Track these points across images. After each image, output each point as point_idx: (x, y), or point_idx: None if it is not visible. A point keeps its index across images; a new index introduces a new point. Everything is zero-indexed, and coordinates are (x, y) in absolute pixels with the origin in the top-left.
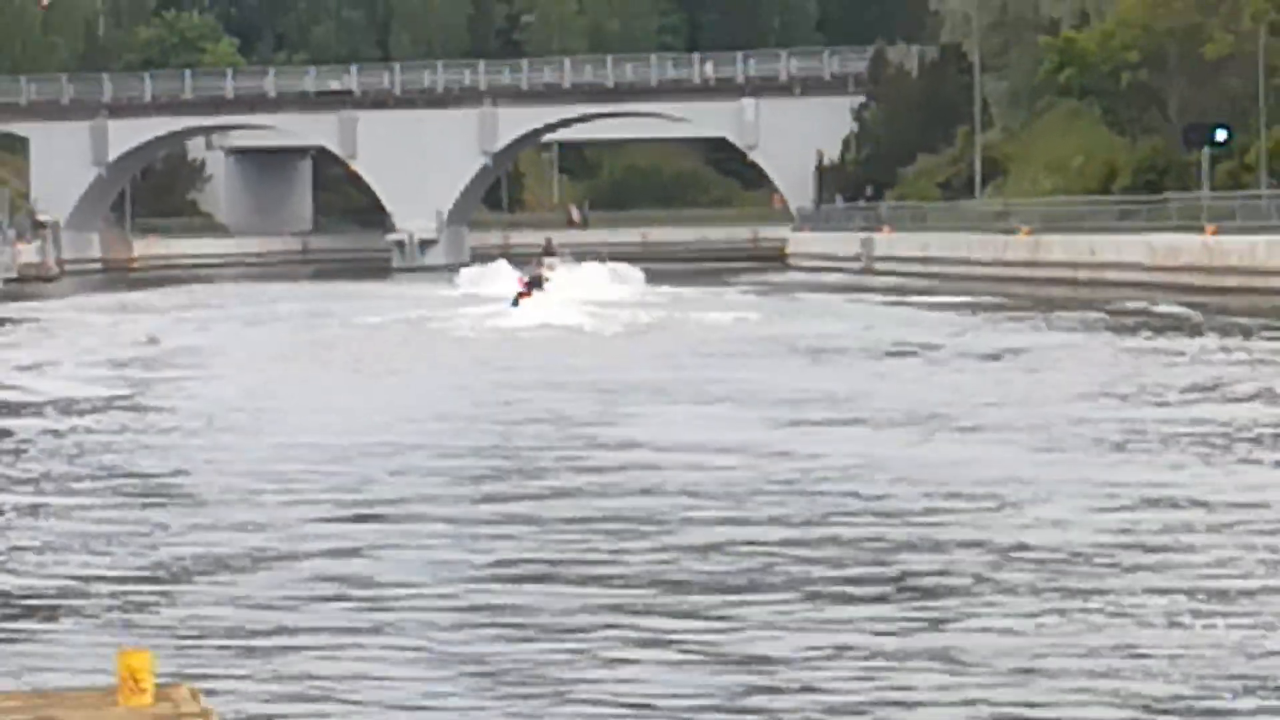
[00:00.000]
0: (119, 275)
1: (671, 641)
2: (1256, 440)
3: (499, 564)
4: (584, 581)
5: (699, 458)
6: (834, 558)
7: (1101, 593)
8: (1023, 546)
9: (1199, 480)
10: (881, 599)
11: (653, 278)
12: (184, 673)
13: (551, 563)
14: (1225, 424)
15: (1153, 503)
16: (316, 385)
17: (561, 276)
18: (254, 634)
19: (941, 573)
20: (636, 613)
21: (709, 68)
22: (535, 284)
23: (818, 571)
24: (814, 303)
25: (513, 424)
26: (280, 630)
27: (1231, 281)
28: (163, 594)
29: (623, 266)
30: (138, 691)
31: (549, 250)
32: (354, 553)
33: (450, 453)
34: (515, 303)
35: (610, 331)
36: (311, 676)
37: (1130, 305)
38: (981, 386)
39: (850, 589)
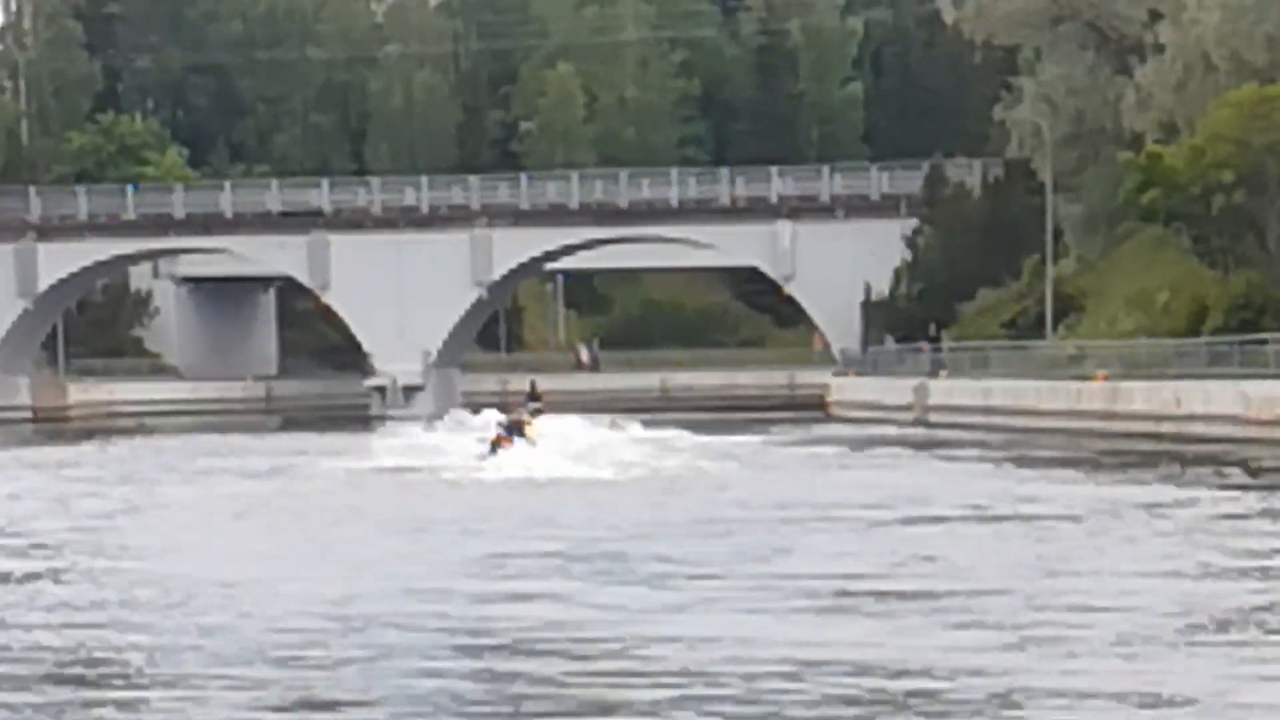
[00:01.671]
0: (53, 425)
1: None
2: None
3: None
4: None
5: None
6: None
7: None
8: None
9: None
10: None
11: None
12: None
13: None
14: None
15: None
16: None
17: (545, 425)
18: None
19: None
20: None
21: (739, 185)
22: (515, 430)
23: None
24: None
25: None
26: None
27: None
28: None
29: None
30: None
31: (534, 395)
32: None
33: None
34: (493, 450)
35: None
36: None
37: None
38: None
39: None
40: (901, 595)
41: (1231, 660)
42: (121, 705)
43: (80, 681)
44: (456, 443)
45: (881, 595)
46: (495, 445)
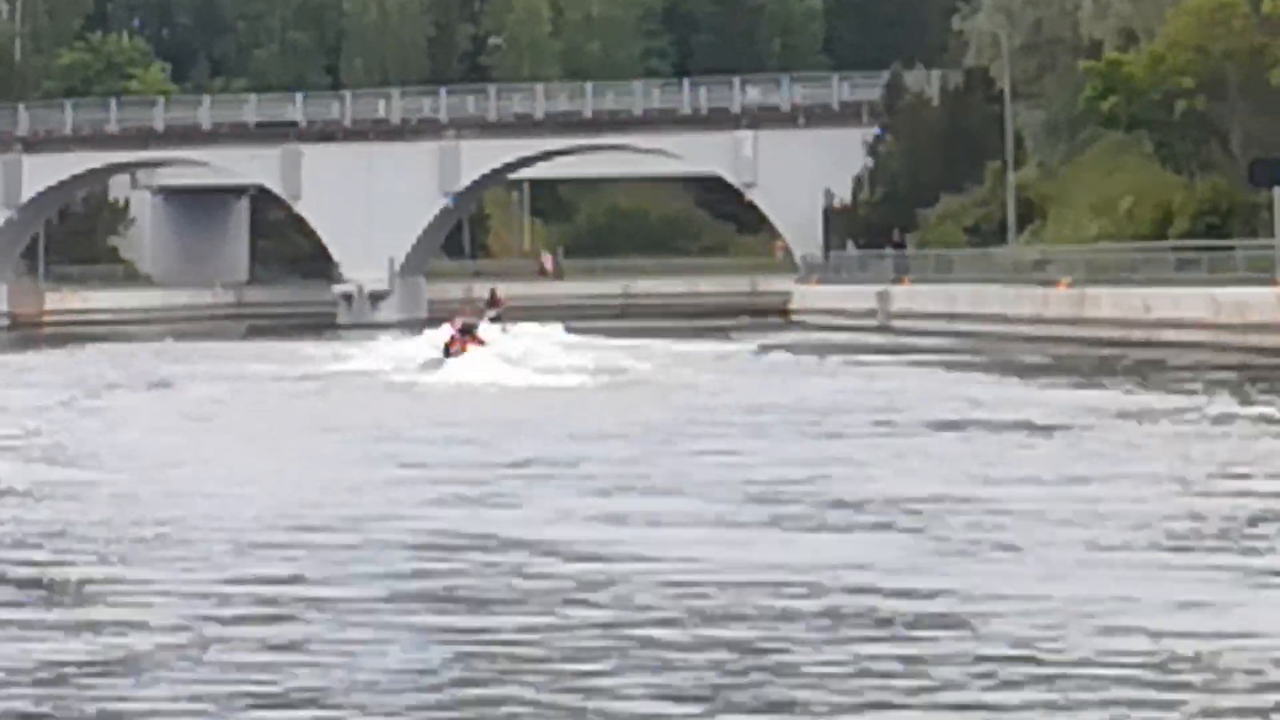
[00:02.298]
0: (28, 332)
1: None
2: None
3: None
4: None
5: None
6: None
7: None
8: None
9: None
10: None
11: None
12: None
13: None
14: None
15: None
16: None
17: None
18: None
19: None
20: None
21: (701, 96)
22: (468, 332)
23: None
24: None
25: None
26: None
27: None
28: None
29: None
30: None
31: (493, 302)
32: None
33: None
34: (447, 353)
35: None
36: None
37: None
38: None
39: None
40: (857, 505)
41: (1204, 571)
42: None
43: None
44: (415, 350)
45: (840, 504)
46: (448, 349)
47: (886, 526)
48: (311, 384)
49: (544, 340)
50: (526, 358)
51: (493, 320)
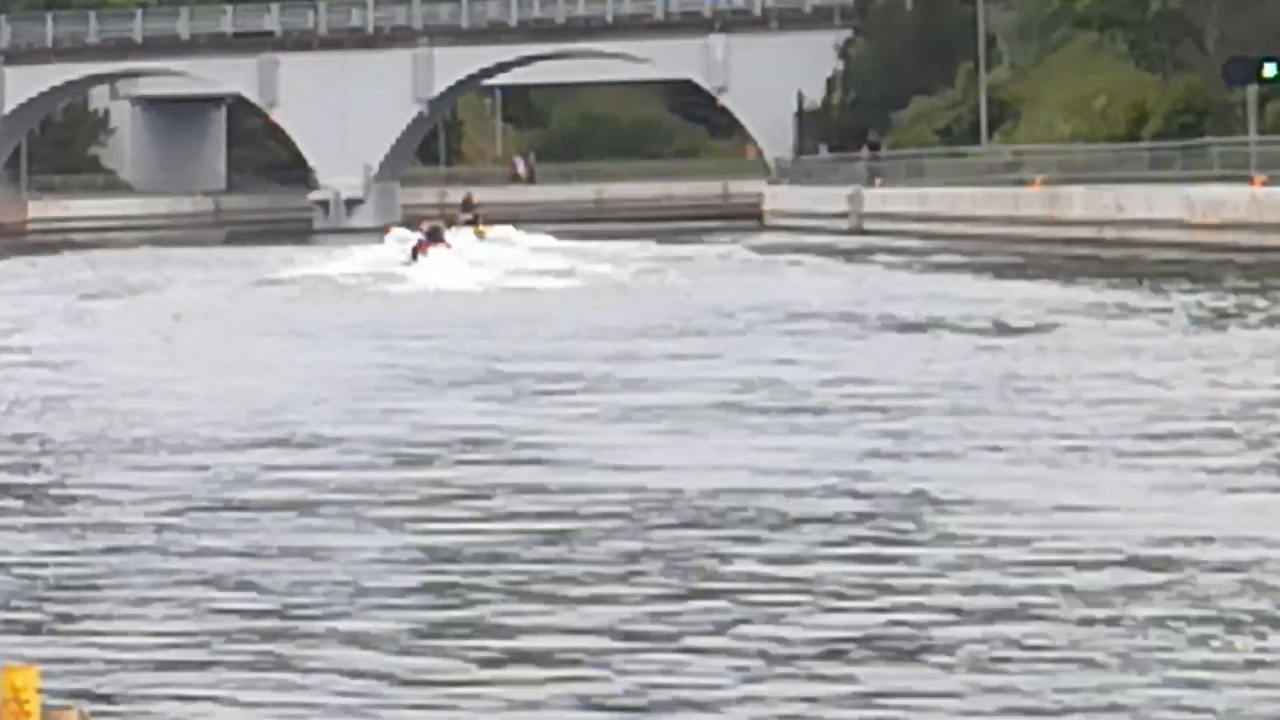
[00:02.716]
0: (11, 240)
1: None
2: None
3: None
4: None
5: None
6: None
7: None
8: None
9: None
10: None
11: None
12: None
13: None
14: None
15: None
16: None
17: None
18: (155, 653)
19: None
20: None
21: (673, 0)
22: (435, 236)
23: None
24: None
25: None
26: (182, 647)
27: None
28: (55, 609)
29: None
30: (21, 714)
31: (468, 206)
32: (265, 557)
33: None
34: (414, 257)
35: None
36: (216, 700)
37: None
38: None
39: None
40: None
41: (1174, 469)
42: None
43: None
44: (385, 254)
45: (820, 411)
46: (416, 252)
47: (853, 426)
48: (291, 289)
49: (519, 244)
50: (494, 262)
51: (468, 224)
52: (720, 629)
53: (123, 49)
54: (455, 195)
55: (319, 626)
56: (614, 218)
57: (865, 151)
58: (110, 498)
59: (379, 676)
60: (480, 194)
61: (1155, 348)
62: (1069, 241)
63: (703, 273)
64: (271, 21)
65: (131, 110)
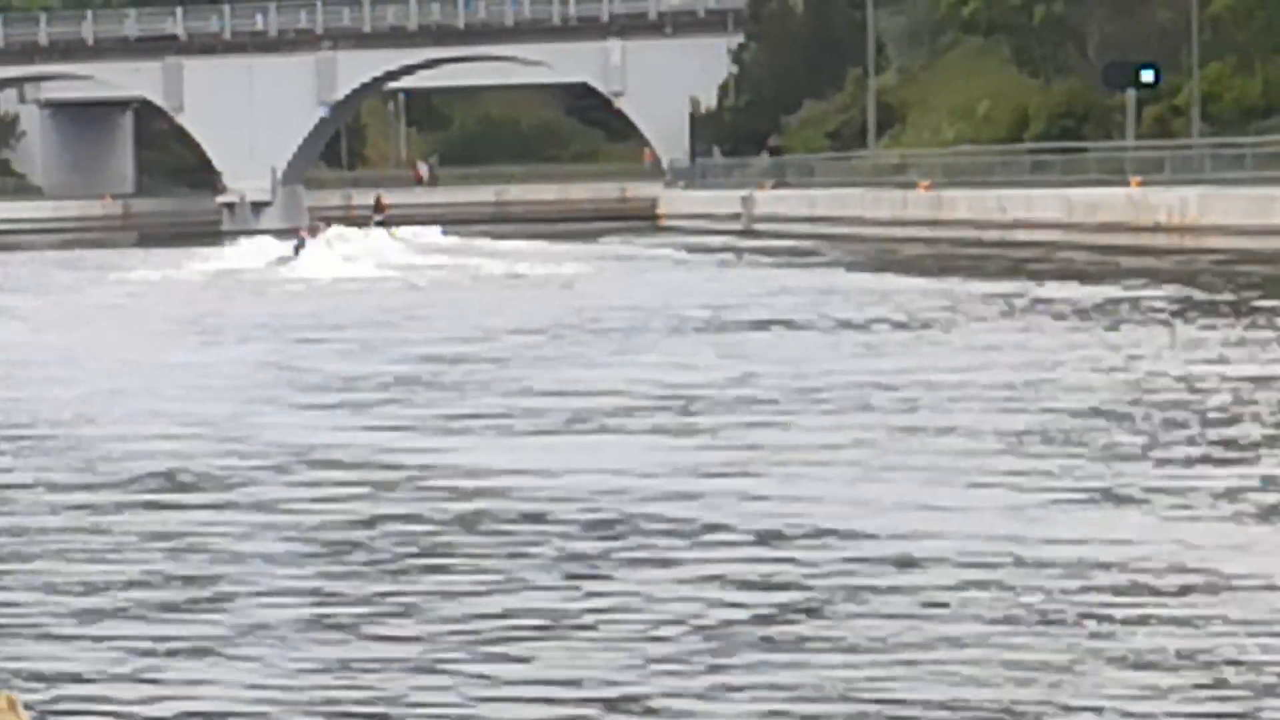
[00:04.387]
0: None
1: None
2: None
3: None
4: None
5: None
6: None
7: None
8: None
9: None
10: None
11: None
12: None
13: None
14: None
15: None
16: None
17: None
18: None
19: None
20: None
21: (570, 5)
22: (314, 232)
23: None
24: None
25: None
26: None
27: (1160, 241)
28: None
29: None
30: None
31: (379, 208)
32: (180, 536)
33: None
34: (298, 249)
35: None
36: (139, 676)
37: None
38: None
39: None
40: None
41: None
42: None
43: None
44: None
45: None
46: (299, 247)
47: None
48: (189, 286)
49: (407, 243)
50: (368, 255)
51: (379, 224)
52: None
53: (28, 52)
54: (360, 198)
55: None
56: (515, 219)
57: (766, 155)
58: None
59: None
60: (385, 197)
61: (1015, 342)
62: (953, 242)
63: (589, 272)
64: (175, 25)
65: (40, 114)
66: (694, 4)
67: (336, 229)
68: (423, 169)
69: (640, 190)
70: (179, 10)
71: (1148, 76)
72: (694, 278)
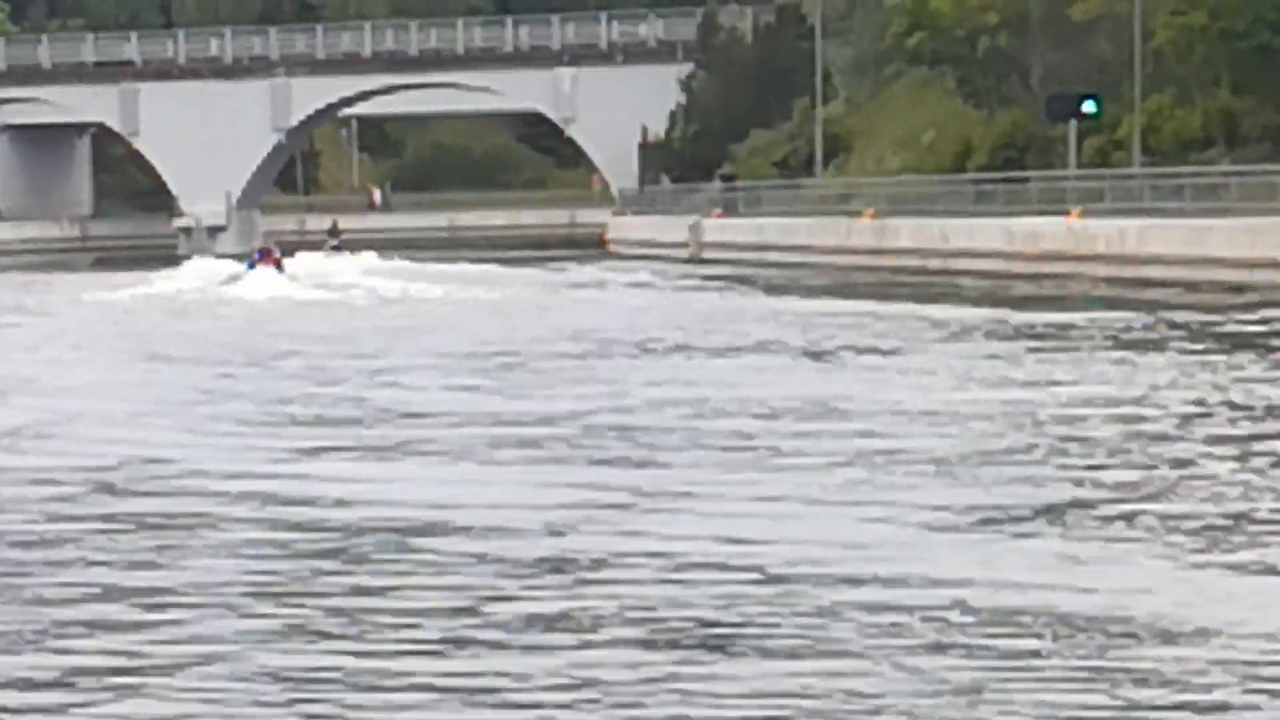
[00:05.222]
0: None
1: None
2: None
3: None
4: None
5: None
6: None
7: None
8: None
9: None
10: None
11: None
12: None
13: None
14: None
15: None
16: None
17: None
18: None
19: None
20: None
21: (522, 33)
22: (267, 254)
23: None
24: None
25: None
26: None
27: (1099, 270)
28: None
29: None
30: None
31: (334, 232)
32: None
33: None
34: (252, 265)
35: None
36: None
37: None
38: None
39: None
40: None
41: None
42: None
43: None
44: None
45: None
46: (255, 262)
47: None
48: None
49: (373, 268)
50: (314, 277)
51: (334, 249)
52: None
53: None
54: (314, 223)
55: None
56: (467, 244)
57: (718, 183)
58: None
59: None
60: (340, 221)
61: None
62: (897, 270)
63: (531, 297)
64: (131, 51)
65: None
66: (644, 34)
67: (292, 252)
68: (376, 195)
69: (589, 217)
70: (134, 36)
71: (1089, 108)
72: (627, 300)
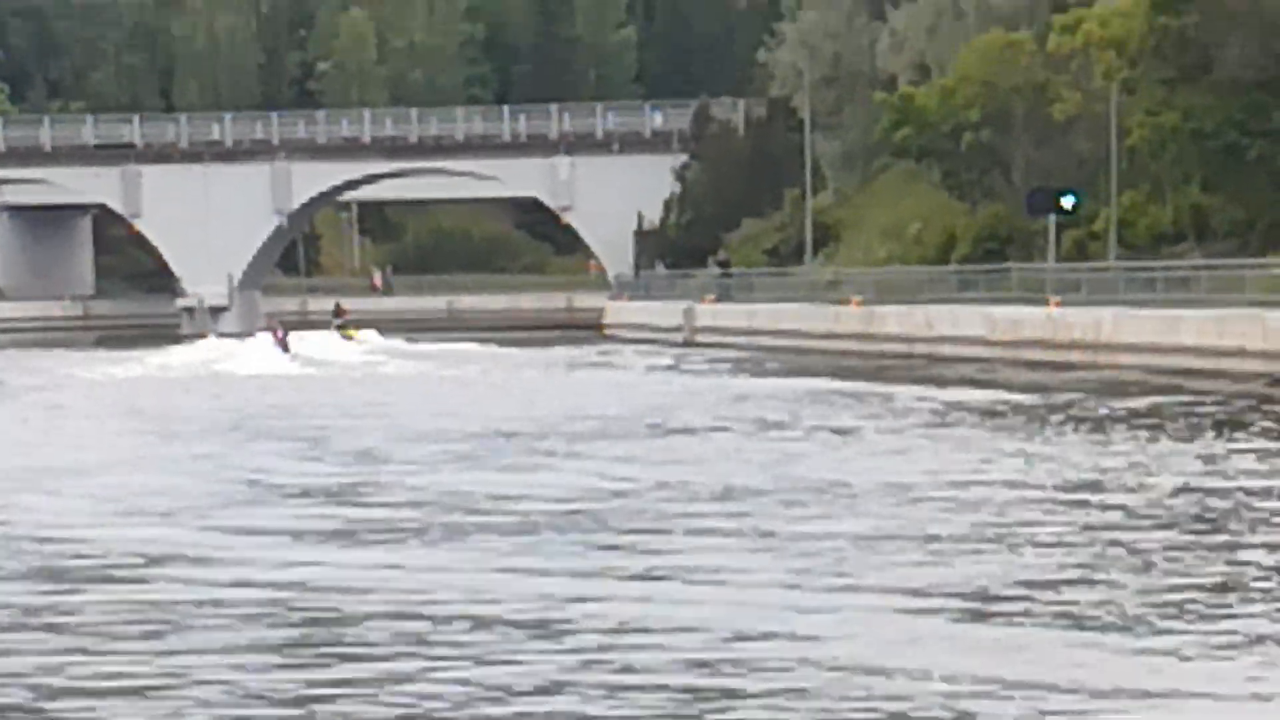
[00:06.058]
0: None
1: None
2: None
3: None
4: None
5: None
6: None
7: None
8: None
9: None
10: None
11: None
12: None
13: None
14: None
15: None
16: None
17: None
18: None
19: None
20: None
21: (520, 122)
22: (271, 333)
23: None
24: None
25: None
26: None
27: (1075, 356)
28: None
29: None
30: None
31: (339, 313)
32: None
33: None
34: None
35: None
36: None
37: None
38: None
39: None
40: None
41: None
42: None
43: None
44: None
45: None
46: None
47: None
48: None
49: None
50: (321, 352)
51: (338, 329)
52: None
53: None
54: (316, 304)
55: None
56: (466, 327)
57: (715, 269)
58: None
59: None
60: (343, 302)
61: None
62: (883, 354)
63: (528, 376)
64: (132, 133)
65: (1, 218)
66: (639, 125)
67: (294, 332)
68: (378, 277)
69: (586, 301)
70: (135, 118)
71: (1068, 203)
72: (616, 382)
